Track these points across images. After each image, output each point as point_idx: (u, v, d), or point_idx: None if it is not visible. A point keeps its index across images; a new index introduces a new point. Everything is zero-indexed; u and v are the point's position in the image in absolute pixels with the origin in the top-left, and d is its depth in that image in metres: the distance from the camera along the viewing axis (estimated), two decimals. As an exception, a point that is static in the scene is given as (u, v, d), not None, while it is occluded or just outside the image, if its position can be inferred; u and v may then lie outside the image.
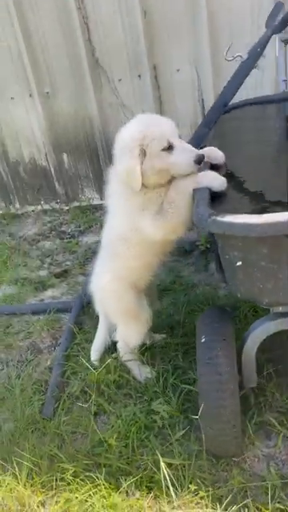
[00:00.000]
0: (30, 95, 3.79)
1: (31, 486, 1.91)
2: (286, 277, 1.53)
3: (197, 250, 3.33)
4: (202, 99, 3.49)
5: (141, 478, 1.86)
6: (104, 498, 1.81)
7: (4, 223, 4.22)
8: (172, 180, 1.87)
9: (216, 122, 2.29)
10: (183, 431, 1.98)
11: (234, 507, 1.71)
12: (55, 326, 2.88)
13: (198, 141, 2.22)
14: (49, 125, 3.88)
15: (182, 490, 1.79)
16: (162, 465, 1.78)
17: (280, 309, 1.75)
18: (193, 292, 2.83)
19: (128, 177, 1.82)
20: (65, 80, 3.70)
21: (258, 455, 1.90)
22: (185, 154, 1.82)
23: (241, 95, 2.43)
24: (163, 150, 1.81)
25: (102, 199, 3.72)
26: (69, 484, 1.88)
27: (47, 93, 3.78)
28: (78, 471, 1.92)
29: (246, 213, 1.48)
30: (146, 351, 2.40)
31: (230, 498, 1.74)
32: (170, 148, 1.82)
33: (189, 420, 2.03)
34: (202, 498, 1.76)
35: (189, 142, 1.96)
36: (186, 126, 3.49)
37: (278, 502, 1.70)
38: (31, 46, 3.62)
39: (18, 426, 2.18)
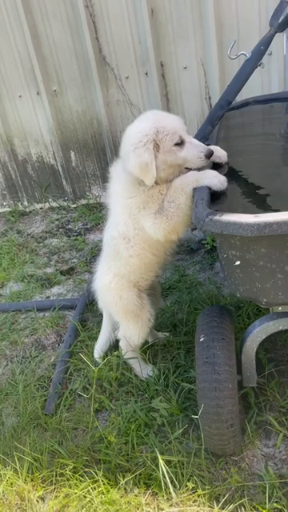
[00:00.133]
0: (38, 93, 3.81)
1: (31, 480, 1.94)
2: (285, 276, 1.53)
3: (203, 249, 3.32)
4: (209, 97, 3.47)
5: (139, 474, 1.88)
6: (103, 493, 1.83)
7: (12, 220, 4.26)
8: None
9: (220, 120, 2.28)
10: (182, 429, 1.98)
11: (231, 506, 1.71)
12: (60, 322, 2.90)
13: (201, 138, 2.21)
14: (56, 123, 3.90)
15: (180, 487, 1.81)
16: (161, 462, 1.79)
17: (279, 308, 1.74)
18: (197, 291, 2.83)
19: (142, 171, 1.81)
20: (72, 78, 3.71)
21: (257, 455, 1.89)
22: (195, 148, 1.85)
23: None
24: (175, 144, 1.83)
25: (108, 197, 3.73)
26: (68, 479, 1.90)
27: (55, 90, 3.79)
28: (78, 467, 1.94)
29: (244, 212, 1.47)
30: (149, 349, 2.42)
31: (227, 496, 1.75)
32: (181, 143, 1.84)
33: (189, 418, 2.04)
34: (199, 495, 1.77)
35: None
36: (193, 124, 3.49)
37: (276, 502, 1.70)
38: (39, 43, 3.64)
39: (20, 422, 2.21)
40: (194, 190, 1.75)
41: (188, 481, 1.81)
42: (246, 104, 2.61)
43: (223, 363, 1.70)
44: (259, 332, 1.80)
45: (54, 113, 3.85)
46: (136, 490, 1.83)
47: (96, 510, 1.78)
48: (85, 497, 1.83)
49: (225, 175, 1.84)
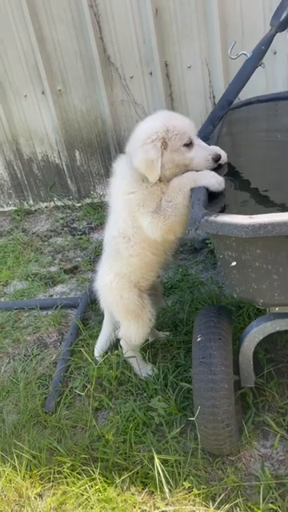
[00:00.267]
0: (43, 92, 3.83)
1: (30, 477, 1.96)
2: (281, 277, 1.53)
3: (206, 248, 3.32)
4: (214, 96, 3.47)
5: (136, 473, 1.89)
6: (100, 491, 1.84)
7: (18, 219, 4.29)
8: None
9: (221, 120, 2.28)
10: (179, 429, 1.99)
11: (227, 505, 1.71)
12: (62, 321, 2.92)
13: (202, 138, 2.21)
14: (61, 122, 3.92)
15: (176, 486, 1.81)
16: (157, 461, 1.80)
17: (277, 309, 1.74)
18: (199, 290, 2.83)
19: (147, 167, 1.82)
20: (77, 77, 3.72)
21: (254, 455, 1.90)
22: (204, 151, 1.86)
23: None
24: (184, 145, 1.84)
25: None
26: (66, 477, 1.91)
27: (59, 90, 3.81)
28: (76, 465, 1.96)
29: (239, 213, 1.48)
30: (149, 348, 2.43)
31: (223, 496, 1.75)
32: (190, 144, 1.85)
33: (187, 418, 2.04)
34: (195, 495, 1.77)
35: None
36: (198, 123, 3.41)
37: (271, 503, 1.70)
38: (43, 43, 3.66)
39: (20, 419, 2.23)
40: (192, 190, 1.75)
41: (184, 480, 1.82)
42: (248, 103, 2.61)
43: (219, 363, 1.71)
44: (257, 332, 1.79)
45: (58, 112, 3.87)
46: (133, 489, 1.84)
47: (93, 508, 1.80)
48: (82, 494, 1.85)
49: (226, 174, 1.85)
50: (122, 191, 1.98)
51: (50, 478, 1.94)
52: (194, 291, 2.83)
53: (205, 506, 1.74)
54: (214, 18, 3.19)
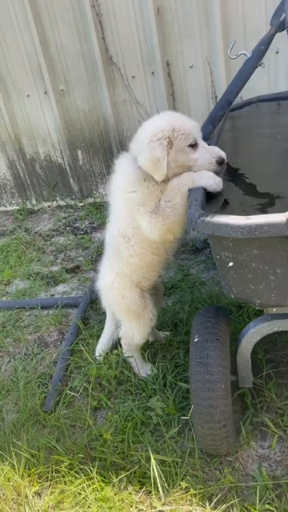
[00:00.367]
0: (45, 92, 3.84)
1: (28, 476, 1.97)
2: (278, 278, 1.53)
3: (208, 248, 3.32)
4: (215, 96, 3.46)
5: (134, 473, 1.89)
6: (97, 491, 1.85)
7: (20, 219, 4.31)
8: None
9: (221, 120, 2.28)
10: (177, 429, 1.99)
11: (224, 506, 1.71)
12: (63, 320, 2.93)
13: (202, 138, 2.21)
14: (63, 122, 3.93)
15: (173, 486, 1.82)
16: (153, 461, 1.80)
17: (274, 310, 1.74)
18: (199, 290, 2.83)
19: (153, 165, 1.81)
20: (79, 77, 3.73)
21: (252, 455, 1.89)
22: (208, 152, 1.86)
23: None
24: (189, 145, 1.84)
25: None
26: (64, 476, 1.92)
27: (62, 90, 3.82)
28: (74, 464, 1.96)
29: (238, 213, 1.48)
30: (148, 348, 2.43)
31: (219, 496, 1.75)
32: (194, 145, 1.85)
33: (185, 418, 2.04)
34: (192, 495, 1.78)
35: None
36: (199, 123, 3.40)
37: (268, 504, 1.70)
38: (46, 43, 3.67)
39: (19, 418, 2.25)
40: (189, 190, 1.75)
41: (182, 480, 1.82)
42: (249, 103, 2.60)
43: (216, 364, 1.71)
44: (254, 333, 1.79)
45: (61, 112, 3.88)
46: (130, 488, 1.85)
47: (90, 507, 1.81)
48: (79, 493, 1.86)
49: (225, 174, 1.85)
50: (122, 190, 1.97)
51: (48, 477, 1.95)
52: (194, 291, 2.83)
53: (201, 506, 1.74)
54: (215, 17, 3.18)
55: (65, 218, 4.18)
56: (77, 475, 1.92)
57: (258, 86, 3.08)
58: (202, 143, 1.88)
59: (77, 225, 4.05)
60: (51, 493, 1.90)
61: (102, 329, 2.58)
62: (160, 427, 2.04)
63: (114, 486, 1.85)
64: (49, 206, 4.35)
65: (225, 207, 1.72)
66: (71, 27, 3.56)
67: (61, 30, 3.59)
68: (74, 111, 3.88)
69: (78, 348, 2.60)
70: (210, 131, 2.28)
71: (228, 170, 1.92)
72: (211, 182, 1.74)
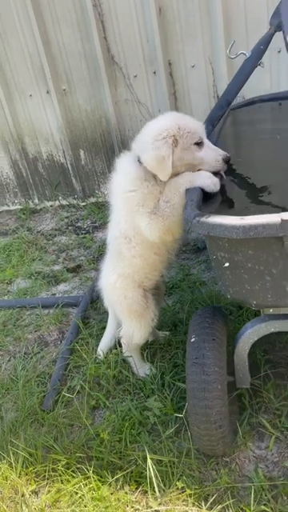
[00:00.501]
0: (48, 92, 3.85)
1: (26, 474, 1.97)
2: (274, 278, 1.52)
3: (208, 248, 3.31)
4: (217, 95, 3.46)
5: (131, 472, 1.89)
6: (93, 490, 1.85)
7: (23, 218, 4.32)
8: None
9: (220, 119, 2.28)
10: (174, 429, 1.99)
11: (219, 506, 1.71)
12: (63, 320, 2.94)
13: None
14: (66, 121, 3.94)
15: (169, 486, 1.82)
16: (149, 461, 1.80)
17: (271, 310, 1.73)
18: (199, 290, 2.83)
19: (158, 164, 1.81)
20: (81, 77, 3.74)
21: (249, 456, 1.89)
22: (214, 151, 1.85)
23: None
24: (194, 144, 1.84)
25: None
26: (61, 475, 1.93)
27: (64, 90, 3.83)
28: (71, 463, 1.97)
29: (236, 214, 1.47)
30: (148, 348, 2.43)
31: (215, 496, 1.75)
32: (200, 143, 1.85)
33: (182, 418, 2.04)
34: (188, 495, 1.77)
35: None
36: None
37: (264, 504, 1.70)
38: (48, 43, 3.68)
39: (18, 417, 2.25)
40: (186, 191, 1.75)
41: (178, 480, 1.82)
42: (251, 103, 2.59)
43: (213, 364, 1.70)
44: (251, 334, 1.79)
45: (63, 112, 3.89)
46: (126, 488, 1.85)
47: (86, 506, 1.81)
48: (76, 493, 1.86)
49: (225, 174, 1.84)
50: (122, 189, 1.97)
51: (45, 476, 1.96)
52: (194, 291, 2.83)
53: (197, 506, 1.74)
54: (217, 16, 3.17)
55: (67, 217, 4.19)
56: (74, 474, 1.93)
57: (260, 85, 3.07)
58: (207, 142, 1.87)
59: (79, 224, 4.06)
60: (48, 491, 1.91)
61: (102, 328, 2.59)
62: (157, 427, 2.04)
63: (110, 486, 1.86)
64: (51, 206, 4.36)
65: (222, 208, 1.72)
66: (73, 27, 3.57)
67: (63, 30, 3.60)
68: (76, 111, 3.89)
69: (77, 347, 2.61)
70: (210, 131, 2.28)
71: (228, 170, 1.91)
72: (208, 182, 1.74)
